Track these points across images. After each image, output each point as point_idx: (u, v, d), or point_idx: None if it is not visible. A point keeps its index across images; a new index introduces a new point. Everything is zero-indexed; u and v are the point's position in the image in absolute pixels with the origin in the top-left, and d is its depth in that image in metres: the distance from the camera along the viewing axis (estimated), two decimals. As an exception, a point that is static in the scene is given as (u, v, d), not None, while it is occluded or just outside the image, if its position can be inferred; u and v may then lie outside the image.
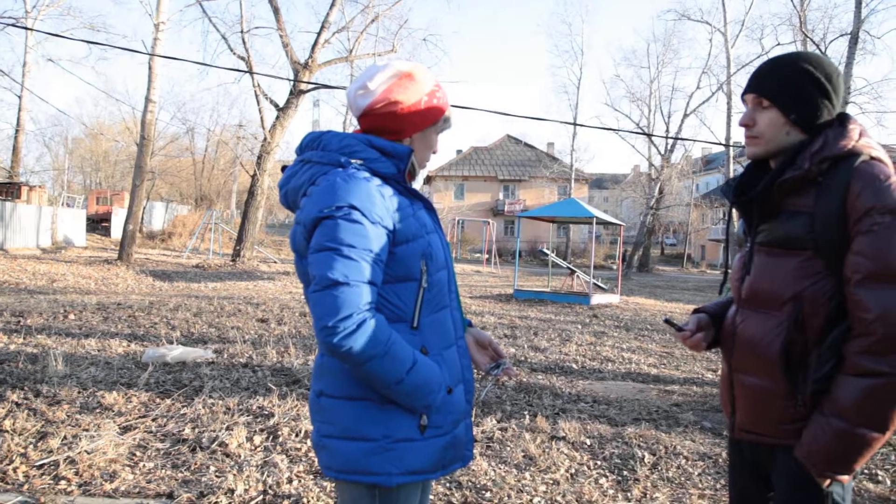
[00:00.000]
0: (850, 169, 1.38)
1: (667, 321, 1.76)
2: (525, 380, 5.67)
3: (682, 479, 3.44)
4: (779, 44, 25.16)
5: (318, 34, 20.00)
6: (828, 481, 1.39)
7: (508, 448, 3.76)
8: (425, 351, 1.43)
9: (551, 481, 3.32)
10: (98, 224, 29.25)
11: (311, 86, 20.62)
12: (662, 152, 33.20)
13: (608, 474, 3.47)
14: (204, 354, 5.81)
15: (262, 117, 20.52)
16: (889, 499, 3.24)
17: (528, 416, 4.40)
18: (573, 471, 3.49)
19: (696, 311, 1.73)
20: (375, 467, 1.37)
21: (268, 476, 3.15)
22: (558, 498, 3.11)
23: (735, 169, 26.58)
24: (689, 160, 37.12)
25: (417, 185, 1.61)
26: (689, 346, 1.66)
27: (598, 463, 3.63)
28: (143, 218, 26.37)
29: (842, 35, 21.05)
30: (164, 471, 3.19)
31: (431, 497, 3.00)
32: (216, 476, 3.14)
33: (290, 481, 3.13)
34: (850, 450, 1.34)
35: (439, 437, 1.43)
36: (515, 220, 32.46)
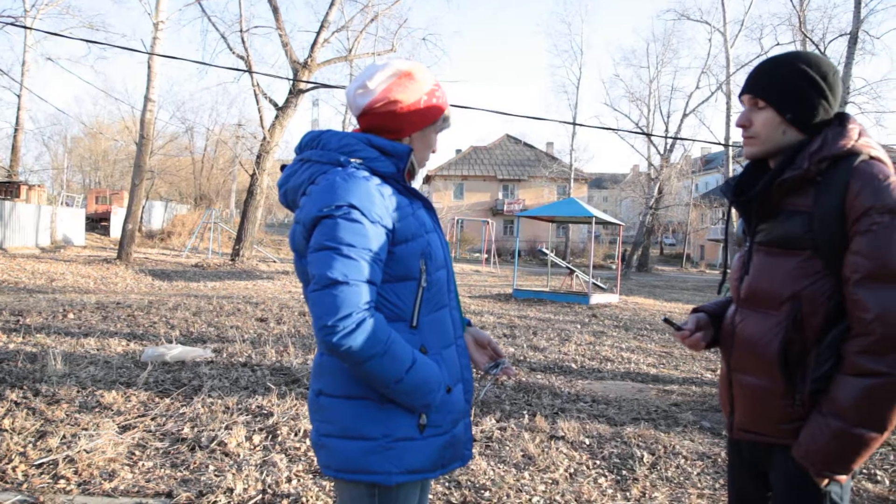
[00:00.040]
0: (850, 168, 1.38)
1: (666, 320, 1.76)
2: (524, 379, 5.67)
3: (681, 478, 3.44)
4: (778, 44, 25.21)
5: (318, 33, 20.00)
6: (826, 481, 1.39)
7: (507, 447, 3.77)
8: (424, 350, 1.43)
9: (550, 481, 3.32)
10: (97, 223, 29.23)
11: (310, 85, 20.61)
12: (662, 152, 33.19)
13: (607, 474, 3.47)
14: (203, 354, 5.81)
15: (261, 116, 20.52)
16: (888, 499, 3.25)
17: (527, 416, 4.40)
18: (572, 470, 3.49)
19: (695, 311, 1.73)
20: (375, 466, 1.37)
21: (267, 475, 3.15)
22: (557, 497, 3.11)
23: (734, 169, 26.62)
24: (688, 160, 37.10)
25: (417, 184, 1.61)
26: (688, 345, 1.66)
27: (597, 462, 3.63)
28: (142, 217, 26.34)
29: (841, 35, 21.10)
30: (163, 470, 3.19)
31: (430, 496, 3.00)
32: (215, 475, 3.14)
33: (289, 480, 3.13)
34: (848, 450, 1.34)
35: (438, 437, 1.43)
36: (515, 219, 32.47)
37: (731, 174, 23.57)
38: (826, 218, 1.38)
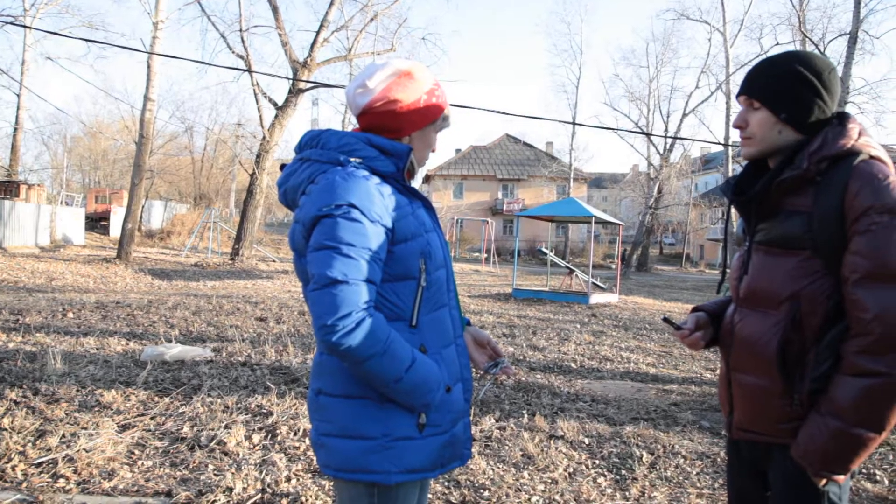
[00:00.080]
0: (849, 168, 1.38)
1: (665, 320, 1.76)
2: (523, 379, 5.67)
3: (681, 478, 3.44)
4: (778, 43, 25.19)
5: (317, 33, 19.99)
6: (824, 481, 1.39)
7: (507, 447, 3.77)
8: (424, 349, 1.43)
9: (550, 480, 3.32)
10: (97, 222, 29.21)
11: (309, 84, 20.62)
12: (661, 152, 33.19)
13: (606, 473, 3.47)
14: (202, 353, 5.81)
15: (260, 116, 20.52)
16: (887, 498, 3.25)
17: (526, 415, 4.40)
18: (571, 470, 3.49)
19: (694, 310, 1.73)
20: (374, 466, 1.37)
21: (266, 474, 3.15)
22: (556, 497, 3.11)
23: (734, 168, 26.61)
24: (687, 159, 37.11)
25: (416, 183, 1.61)
26: (687, 344, 1.66)
27: (597, 462, 3.63)
28: (141, 216, 26.31)
29: (841, 35, 21.09)
30: (162, 469, 3.19)
31: (430, 496, 3.01)
32: (214, 474, 3.14)
33: (288, 480, 3.13)
34: (846, 449, 1.34)
35: (438, 436, 1.44)
36: (514, 219, 32.48)
37: (730, 174, 23.54)
38: (825, 218, 1.37)
